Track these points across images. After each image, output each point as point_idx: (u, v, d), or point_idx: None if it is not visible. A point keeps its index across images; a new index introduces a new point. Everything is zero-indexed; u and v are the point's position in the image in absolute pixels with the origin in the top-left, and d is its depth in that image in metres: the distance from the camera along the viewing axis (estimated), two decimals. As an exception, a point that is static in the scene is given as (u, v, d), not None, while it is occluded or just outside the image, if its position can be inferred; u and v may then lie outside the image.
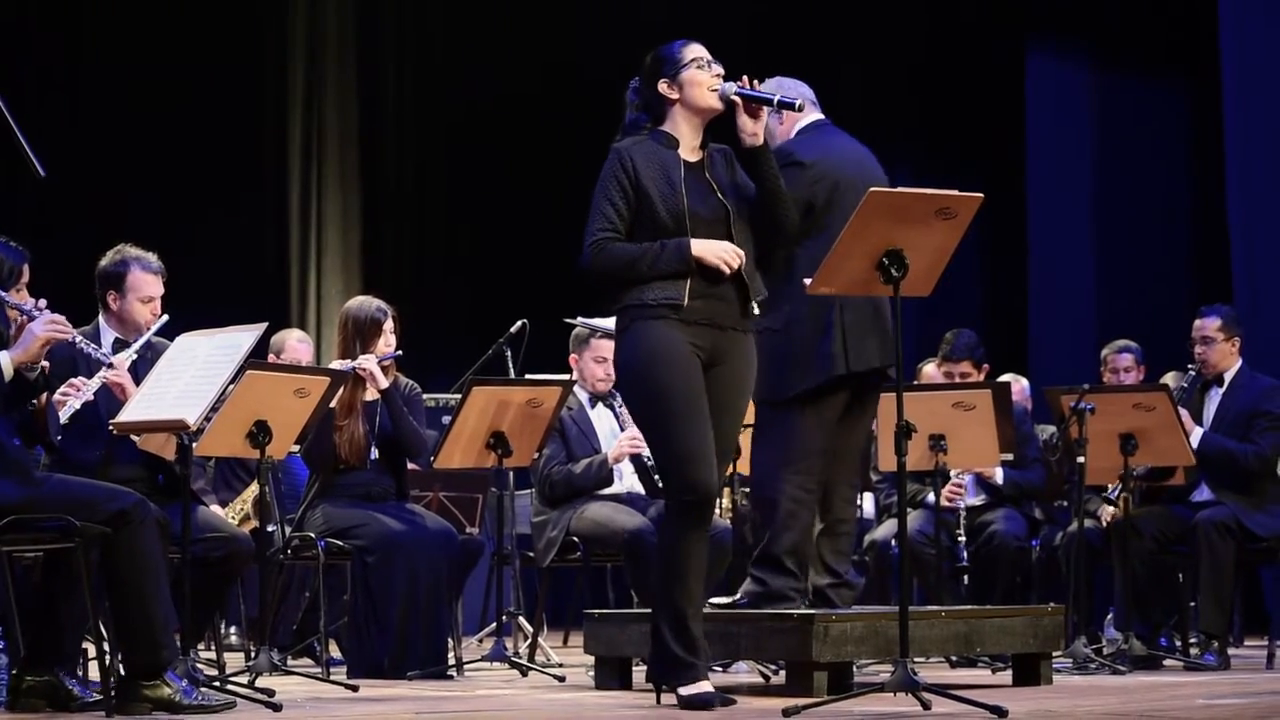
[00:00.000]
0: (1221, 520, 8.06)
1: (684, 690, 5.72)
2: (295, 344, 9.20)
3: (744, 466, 7.71)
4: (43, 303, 5.74)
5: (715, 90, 5.85)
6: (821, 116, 6.87)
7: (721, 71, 5.89)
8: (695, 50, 5.90)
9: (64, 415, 6.35)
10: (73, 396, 6.48)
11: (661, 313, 5.72)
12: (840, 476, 6.71)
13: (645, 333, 5.74)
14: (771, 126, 6.76)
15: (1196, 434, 8.17)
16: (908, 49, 13.96)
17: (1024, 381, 10.02)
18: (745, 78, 5.89)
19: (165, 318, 6.89)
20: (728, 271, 5.74)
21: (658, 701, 5.92)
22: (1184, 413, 8.11)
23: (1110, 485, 8.23)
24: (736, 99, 5.84)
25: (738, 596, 6.60)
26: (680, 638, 5.74)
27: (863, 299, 6.43)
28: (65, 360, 6.56)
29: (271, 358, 8.88)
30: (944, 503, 8.51)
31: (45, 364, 5.74)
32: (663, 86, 5.91)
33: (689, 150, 5.91)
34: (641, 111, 5.98)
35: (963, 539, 8.75)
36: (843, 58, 13.41)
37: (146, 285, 6.99)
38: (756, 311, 5.89)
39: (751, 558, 6.69)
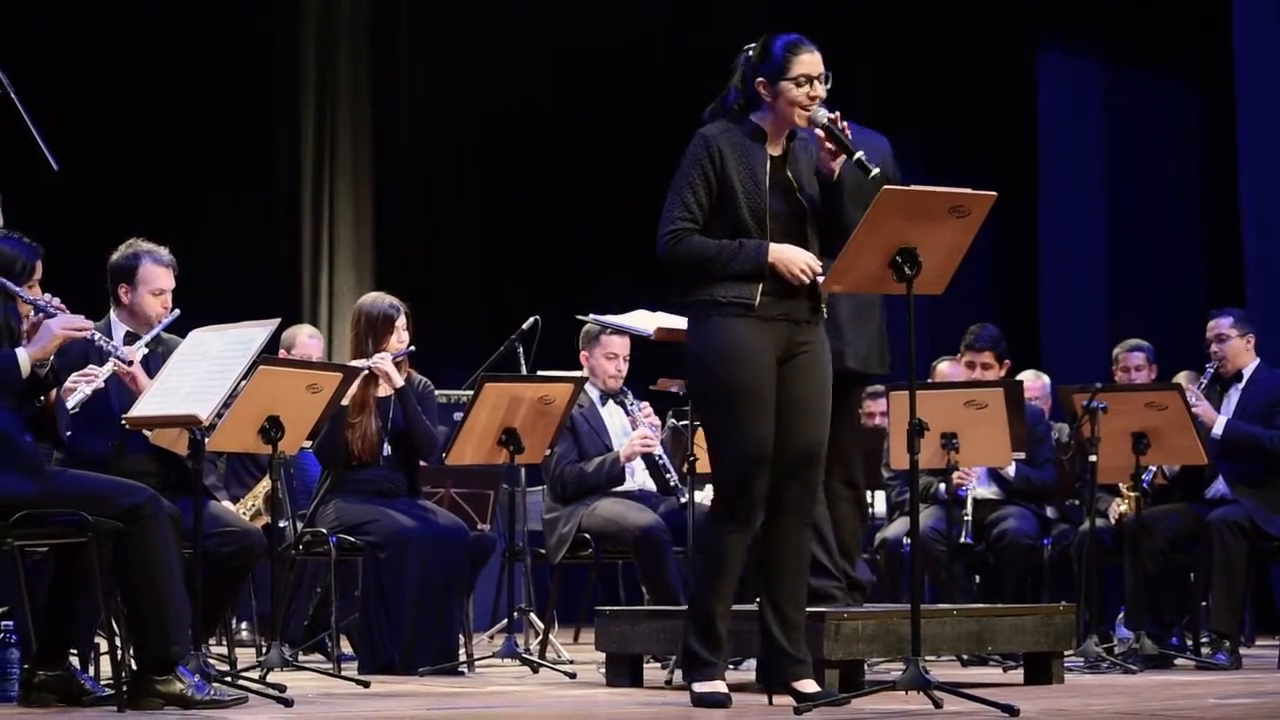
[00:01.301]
0: (1235, 519, 8.06)
1: (698, 687, 5.71)
2: (305, 339, 9.19)
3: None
4: (57, 300, 5.74)
5: (807, 114, 5.72)
6: None
7: (822, 93, 5.73)
8: (803, 64, 5.74)
9: (72, 402, 6.33)
10: (82, 384, 6.47)
11: (737, 310, 5.65)
12: (832, 476, 6.68)
13: (721, 329, 5.66)
14: None
15: (1220, 422, 8.18)
16: (919, 46, 13.95)
17: (1045, 379, 9.98)
18: (840, 118, 5.73)
19: (177, 312, 6.88)
20: (798, 284, 5.67)
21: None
22: (1205, 404, 8.13)
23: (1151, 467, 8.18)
24: (820, 132, 5.73)
25: None
26: (703, 634, 5.72)
27: (841, 304, 6.38)
28: (78, 355, 6.55)
29: (282, 353, 8.87)
30: (953, 483, 8.49)
31: (52, 359, 5.74)
32: (760, 85, 5.77)
33: (775, 145, 5.80)
34: (740, 91, 5.83)
35: (968, 519, 8.73)
36: (852, 55, 13.38)
37: (158, 278, 6.98)
38: (824, 310, 5.82)
39: None
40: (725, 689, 5.70)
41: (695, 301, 5.73)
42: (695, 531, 5.84)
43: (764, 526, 5.76)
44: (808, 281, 5.68)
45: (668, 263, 5.72)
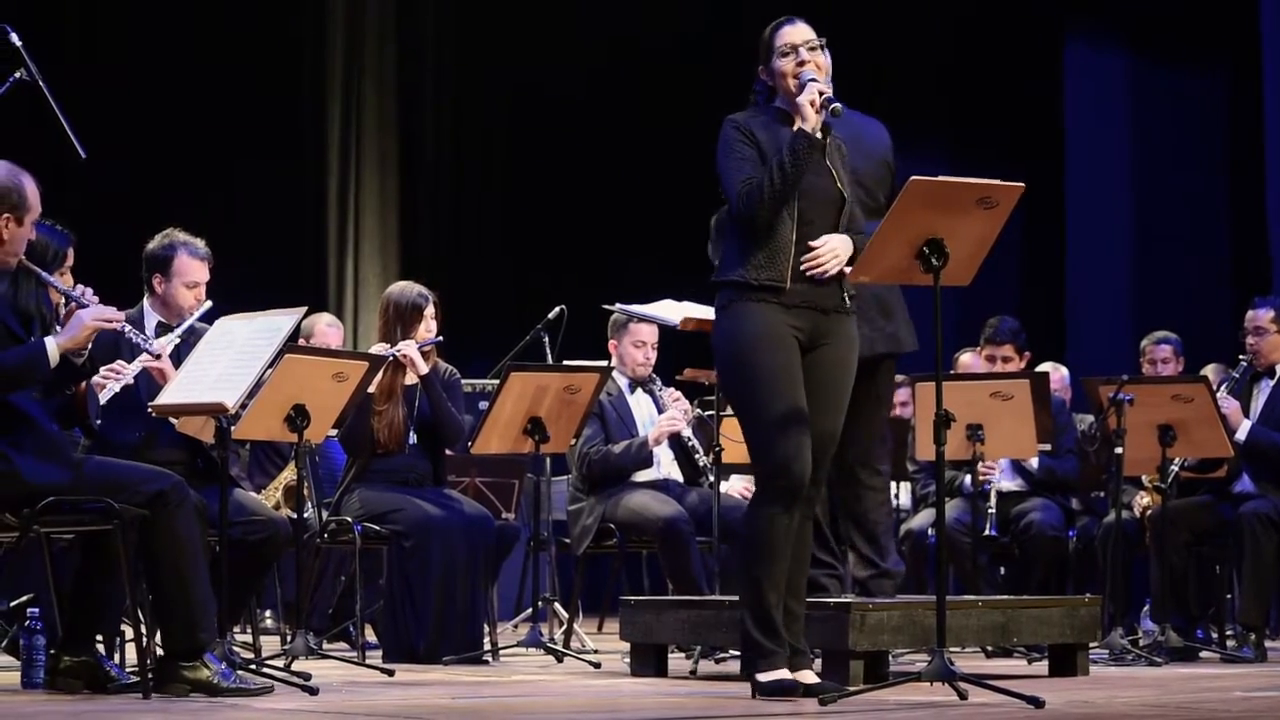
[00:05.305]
0: (1265, 513, 8.01)
1: (762, 677, 5.64)
2: (325, 328, 9.20)
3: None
4: (90, 291, 5.75)
5: (797, 80, 5.75)
6: None
7: (805, 59, 5.75)
8: (784, 36, 5.80)
9: (103, 398, 6.37)
10: (113, 380, 6.49)
11: (762, 295, 5.65)
12: (857, 462, 6.66)
13: (745, 314, 5.66)
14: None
15: (1245, 427, 8.12)
16: (947, 38, 13.93)
17: (1063, 370, 9.99)
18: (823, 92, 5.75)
19: (209, 303, 6.90)
20: (821, 98, 5.62)
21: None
22: (1234, 405, 8.08)
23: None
24: (804, 83, 5.73)
25: None
26: (761, 624, 5.64)
27: (863, 288, 6.37)
28: (108, 345, 6.56)
29: (301, 342, 8.87)
30: (978, 476, 8.48)
31: (89, 348, 5.75)
32: (762, 74, 5.85)
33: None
34: (762, 91, 5.89)
35: (992, 511, 8.72)
36: (881, 46, 13.38)
37: (192, 270, 7.00)
38: (849, 301, 5.81)
39: None
40: (790, 676, 5.62)
41: (725, 285, 5.73)
42: (744, 521, 5.80)
43: None
44: (825, 90, 5.65)
45: (749, 213, 5.64)
